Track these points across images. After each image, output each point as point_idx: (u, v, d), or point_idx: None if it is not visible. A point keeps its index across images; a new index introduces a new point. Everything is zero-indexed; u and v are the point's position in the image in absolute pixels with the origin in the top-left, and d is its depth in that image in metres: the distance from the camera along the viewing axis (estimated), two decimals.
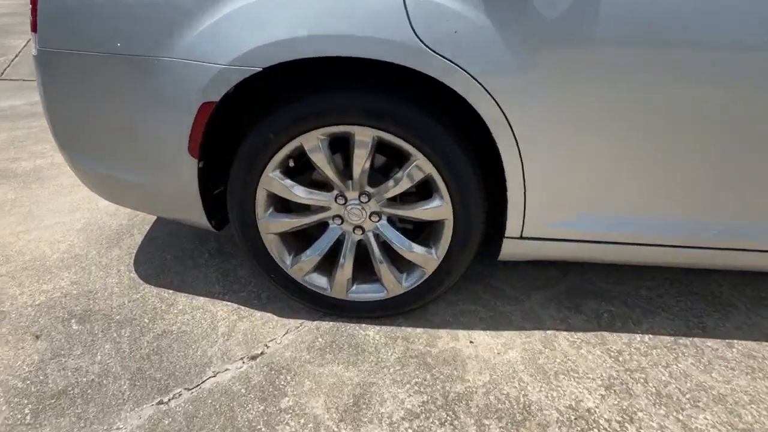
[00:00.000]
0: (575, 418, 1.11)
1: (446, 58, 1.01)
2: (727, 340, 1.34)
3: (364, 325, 1.40)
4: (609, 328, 1.38)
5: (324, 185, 1.34)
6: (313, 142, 1.17)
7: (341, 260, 1.34)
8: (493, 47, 1.01)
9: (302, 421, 1.11)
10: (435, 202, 1.22)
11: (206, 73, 1.08)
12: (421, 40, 1.00)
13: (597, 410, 1.13)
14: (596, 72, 1.01)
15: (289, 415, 1.13)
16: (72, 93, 1.24)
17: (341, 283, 1.36)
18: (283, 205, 1.35)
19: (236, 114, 1.30)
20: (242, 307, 1.47)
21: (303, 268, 1.36)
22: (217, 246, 1.79)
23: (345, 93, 1.10)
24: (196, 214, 1.34)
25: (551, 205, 1.19)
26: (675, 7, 0.96)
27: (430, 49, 1.00)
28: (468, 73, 1.02)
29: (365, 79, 1.14)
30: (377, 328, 1.39)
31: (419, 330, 1.38)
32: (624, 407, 1.14)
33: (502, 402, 1.15)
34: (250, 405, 1.15)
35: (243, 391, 1.19)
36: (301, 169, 1.32)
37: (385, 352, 1.31)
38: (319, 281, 1.39)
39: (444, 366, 1.26)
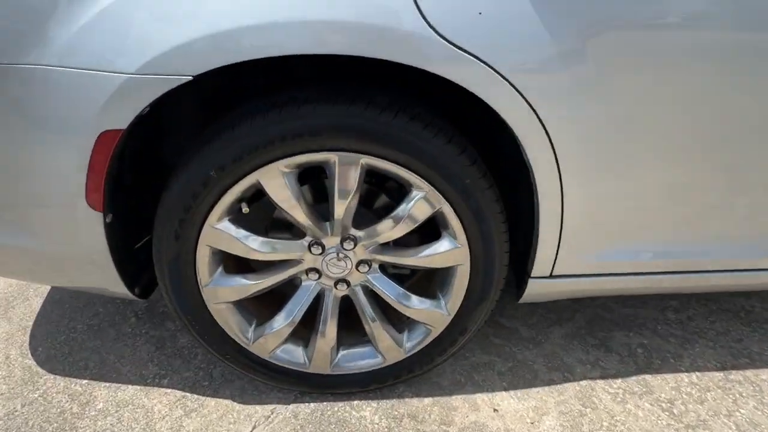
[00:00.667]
0: None
1: (470, 53, 0.70)
2: None
3: (356, 402, 1.08)
4: (649, 369, 1.16)
5: (291, 227, 1.00)
6: (275, 178, 0.82)
7: (320, 326, 1.00)
8: (529, 35, 0.71)
9: None
10: (446, 245, 0.91)
11: (103, 87, 0.70)
12: (435, 30, 0.69)
13: None
14: (664, 66, 0.75)
15: None
16: None
17: (323, 354, 1.03)
18: (236, 262, 0.98)
19: (154, 141, 0.92)
20: (189, 395, 1.10)
21: (269, 342, 1.00)
22: (145, 304, 1.38)
23: (322, 107, 0.77)
24: (109, 282, 0.95)
25: (591, 235, 0.93)
26: None
27: (449, 42, 0.69)
28: (497, 71, 0.72)
29: (344, 86, 0.81)
30: (374, 404, 1.07)
31: (427, 401, 1.08)
32: None
33: None
34: None
35: None
36: (252, 201, 0.96)
37: None
38: (294, 355, 1.04)
39: None
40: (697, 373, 1.14)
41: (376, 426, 1.02)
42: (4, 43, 0.70)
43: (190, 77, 0.69)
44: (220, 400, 1.09)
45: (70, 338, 1.26)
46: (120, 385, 1.13)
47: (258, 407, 1.07)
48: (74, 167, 0.77)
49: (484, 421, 1.03)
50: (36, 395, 1.10)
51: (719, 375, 1.14)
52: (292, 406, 1.07)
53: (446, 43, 0.70)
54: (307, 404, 1.07)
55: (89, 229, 0.85)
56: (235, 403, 1.08)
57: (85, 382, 1.13)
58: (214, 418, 1.04)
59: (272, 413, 1.06)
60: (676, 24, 0.73)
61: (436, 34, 0.69)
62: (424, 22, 0.69)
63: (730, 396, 1.09)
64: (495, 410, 1.06)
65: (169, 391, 1.11)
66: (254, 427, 1.02)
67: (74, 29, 0.68)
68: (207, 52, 0.68)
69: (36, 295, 1.41)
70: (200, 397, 1.09)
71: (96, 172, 0.78)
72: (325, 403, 1.08)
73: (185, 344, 1.24)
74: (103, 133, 0.74)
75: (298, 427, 1.02)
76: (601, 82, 0.76)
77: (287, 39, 0.68)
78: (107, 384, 1.13)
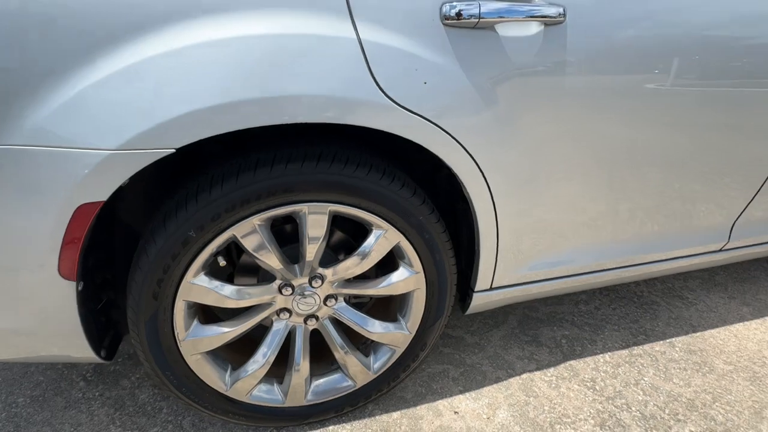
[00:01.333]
0: None
1: (418, 114, 0.84)
2: (667, 340, 1.44)
3: (331, 427, 1.15)
4: (572, 355, 1.37)
5: (256, 271, 1.06)
6: (251, 231, 0.89)
7: (296, 361, 1.07)
8: (467, 98, 0.87)
9: None
10: (404, 273, 1.04)
11: (82, 163, 0.73)
12: (387, 96, 0.82)
13: None
14: (571, 113, 0.96)
15: None
16: None
17: (298, 387, 1.09)
18: (203, 312, 1.02)
19: (120, 203, 0.94)
20: None
21: (246, 385, 1.05)
22: (91, 365, 1.33)
23: (292, 166, 0.85)
24: (75, 349, 0.94)
25: (522, 252, 1.11)
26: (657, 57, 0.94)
27: (399, 105, 0.82)
28: (441, 128, 0.87)
29: (300, 143, 0.91)
30: (348, 426, 1.15)
31: (395, 415, 1.19)
32: (655, 411, 1.12)
33: None
34: None
35: None
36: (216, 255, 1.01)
37: None
38: (270, 393, 1.10)
39: None
40: (609, 353, 1.38)
41: None
42: None
43: (173, 150, 0.75)
44: None
45: (12, 414, 1.18)
46: None
47: None
48: (48, 240, 0.77)
49: (448, 424, 1.16)
50: None
51: (625, 352, 1.39)
52: None
53: (402, 108, 0.83)
54: None
55: (59, 300, 0.85)
56: None
57: None
58: None
59: None
60: (563, 87, 0.94)
61: (393, 102, 0.82)
62: (381, 92, 0.81)
63: (635, 368, 1.33)
64: (455, 412, 1.20)
65: None
66: None
67: (49, 111, 0.71)
68: (192, 126, 0.74)
69: None
70: None
71: (72, 244, 0.79)
72: None
73: (146, 400, 1.22)
74: (81, 206, 0.76)
75: None
76: (519, 131, 0.94)
77: (261, 113, 0.76)
78: None
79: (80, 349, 0.94)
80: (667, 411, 1.20)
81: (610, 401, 1.23)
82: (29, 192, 0.74)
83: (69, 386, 1.26)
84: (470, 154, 0.92)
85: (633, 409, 1.20)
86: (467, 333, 1.45)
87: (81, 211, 0.76)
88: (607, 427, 1.15)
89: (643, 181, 1.12)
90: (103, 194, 0.76)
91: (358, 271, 1.01)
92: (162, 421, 1.17)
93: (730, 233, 1.33)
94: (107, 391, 1.25)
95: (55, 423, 1.16)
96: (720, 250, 1.37)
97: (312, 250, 0.95)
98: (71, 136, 0.72)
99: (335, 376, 1.14)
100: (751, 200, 1.28)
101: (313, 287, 1.02)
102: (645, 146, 1.06)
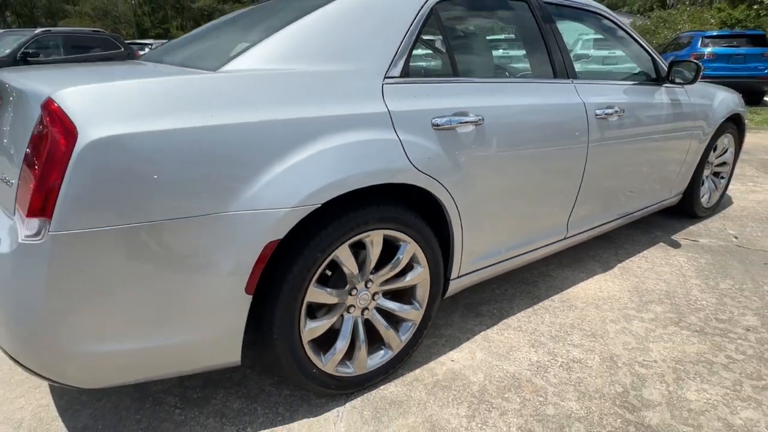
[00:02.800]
0: (542, 366, 1.80)
1: (428, 174, 1.58)
2: (550, 298, 2.32)
3: (383, 386, 1.72)
4: (503, 316, 2.16)
5: (328, 281, 1.62)
6: (345, 252, 1.50)
7: (360, 341, 1.64)
8: (448, 163, 1.64)
9: None
10: (418, 270, 1.72)
11: (273, 217, 1.28)
12: (414, 166, 1.54)
13: (541, 360, 1.86)
14: (505, 170, 1.79)
15: None
16: (105, 273, 1.14)
17: (362, 361, 1.65)
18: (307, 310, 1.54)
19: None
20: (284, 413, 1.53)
21: (335, 360, 1.58)
22: (168, 385, 1.66)
23: (366, 209, 1.50)
24: (231, 353, 1.39)
25: (475, 250, 1.89)
26: (523, 141, 1.84)
27: (419, 170, 1.55)
28: (440, 182, 1.62)
29: (366, 199, 1.56)
30: (392, 384, 1.73)
31: (417, 371, 1.80)
32: (555, 333, 1.91)
33: (498, 380, 1.74)
34: None
35: None
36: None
37: (417, 393, 1.68)
38: (345, 368, 1.63)
39: (453, 382, 1.74)
40: (522, 312, 2.21)
41: (400, 392, 1.69)
42: (214, 198, 1.21)
43: (320, 204, 1.35)
44: (303, 418, 1.56)
45: None
46: None
47: (331, 410, 1.59)
48: (245, 269, 1.28)
49: (450, 367, 1.82)
50: None
51: (530, 309, 2.23)
52: (350, 402, 1.63)
53: (420, 172, 1.55)
54: (357, 399, 1.65)
55: (240, 311, 1.32)
56: (310, 414, 1.57)
57: None
58: (312, 419, 1.52)
59: (340, 412, 1.60)
60: (494, 158, 1.78)
61: (416, 169, 1.54)
62: (411, 164, 1.53)
63: (538, 315, 2.17)
64: (452, 361, 1.86)
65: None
66: (338, 415, 1.55)
67: (259, 186, 1.26)
68: (327, 191, 1.35)
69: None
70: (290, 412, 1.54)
71: (257, 269, 1.30)
72: (366, 393, 1.68)
73: (239, 407, 1.62)
74: (269, 243, 1.29)
75: (364, 411, 1.60)
76: (473, 179, 1.73)
77: (360, 182, 1.41)
78: None
79: (234, 353, 1.39)
80: (562, 331, 2.04)
81: (532, 334, 2.03)
82: (238, 240, 1.26)
83: (168, 413, 1.58)
84: (450, 194, 1.67)
85: (545, 335, 2.02)
86: (438, 319, 2.15)
87: (268, 246, 1.30)
88: (535, 346, 1.94)
89: (529, 203, 2.01)
90: (282, 234, 1.31)
91: (392, 274, 1.66)
92: (262, 414, 1.59)
93: (567, 227, 2.31)
94: (203, 408, 1.61)
95: None
96: (564, 239, 2.34)
97: (372, 263, 1.58)
98: (268, 202, 1.27)
99: (380, 352, 1.73)
100: (573, 208, 2.29)
101: (367, 288, 1.63)
102: (527, 184, 1.95)
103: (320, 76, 1.43)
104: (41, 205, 1.08)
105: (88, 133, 1.08)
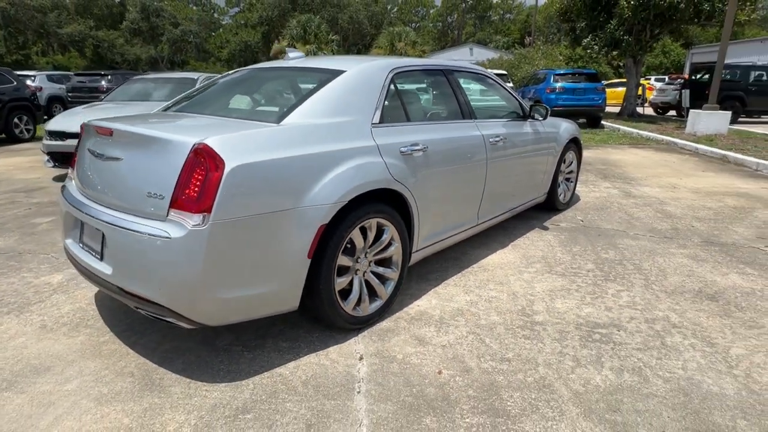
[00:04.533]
0: (473, 302, 2.82)
1: (401, 182, 2.54)
2: (470, 267, 3.39)
3: (380, 323, 2.60)
4: (446, 279, 3.17)
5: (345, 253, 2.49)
6: (357, 232, 2.39)
7: (363, 294, 2.52)
8: (410, 176, 2.62)
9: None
10: (395, 246, 2.65)
11: (324, 209, 2.14)
12: (394, 178, 2.49)
13: (472, 299, 2.89)
14: (440, 179, 2.81)
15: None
16: (234, 246, 1.91)
17: (365, 306, 2.53)
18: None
19: None
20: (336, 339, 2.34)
21: (351, 305, 2.44)
22: (228, 341, 2.38)
23: (368, 205, 2.40)
24: (295, 300, 2.20)
25: (423, 234, 2.88)
26: (453, 161, 2.89)
27: (397, 180, 2.51)
28: (406, 187, 2.59)
29: (367, 198, 2.46)
30: (385, 321, 2.62)
31: (397, 313, 2.72)
32: (478, 284, 2.95)
33: (449, 312, 2.72)
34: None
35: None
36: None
37: (401, 324, 2.59)
38: (356, 312, 2.50)
39: (422, 316, 2.69)
40: (456, 276, 3.24)
41: (391, 325, 2.59)
42: (293, 198, 2.04)
43: (347, 202, 2.23)
44: (334, 345, 2.38)
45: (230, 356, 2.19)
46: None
47: (350, 339, 2.43)
48: (308, 241, 2.11)
49: (418, 309, 2.76)
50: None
51: (459, 273, 3.27)
52: (361, 334, 2.49)
53: (396, 181, 2.51)
54: (364, 331, 2.52)
55: (303, 269, 2.15)
56: (337, 343, 2.40)
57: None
58: (328, 352, 2.35)
59: (356, 339, 2.45)
60: (435, 169, 2.80)
61: (394, 180, 2.50)
62: (391, 177, 2.48)
63: (466, 277, 3.22)
64: (418, 306, 2.81)
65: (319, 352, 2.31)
66: (356, 340, 2.40)
67: (315, 190, 2.11)
68: (351, 193, 2.24)
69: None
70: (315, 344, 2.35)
71: (314, 242, 2.14)
72: (369, 328, 2.55)
73: (285, 346, 2.40)
74: (321, 225, 2.15)
75: (371, 336, 2.47)
76: (426, 186, 2.73)
77: (362, 188, 2.32)
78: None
79: (295, 301, 2.20)
80: (482, 283, 3.10)
81: (463, 287, 3.06)
82: (307, 223, 2.10)
83: (239, 354, 2.31)
84: (411, 194, 2.65)
85: (472, 286, 3.06)
86: (403, 285, 3.09)
87: (320, 227, 2.15)
88: (467, 292, 2.97)
89: (455, 201, 3.06)
90: (328, 219, 2.17)
91: (380, 248, 2.58)
92: (305, 347, 2.38)
93: (478, 217, 3.42)
94: (262, 349, 2.36)
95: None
96: (476, 225, 3.44)
97: (370, 240, 2.49)
98: (321, 200, 2.14)
99: (376, 301, 2.62)
100: (480, 204, 3.39)
101: (365, 257, 2.53)
102: (453, 188, 3.00)
103: (337, 125, 2.34)
104: (205, 206, 1.84)
105: (230, 163, 1.88)
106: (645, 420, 1.89)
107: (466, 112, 3.24)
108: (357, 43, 46.71)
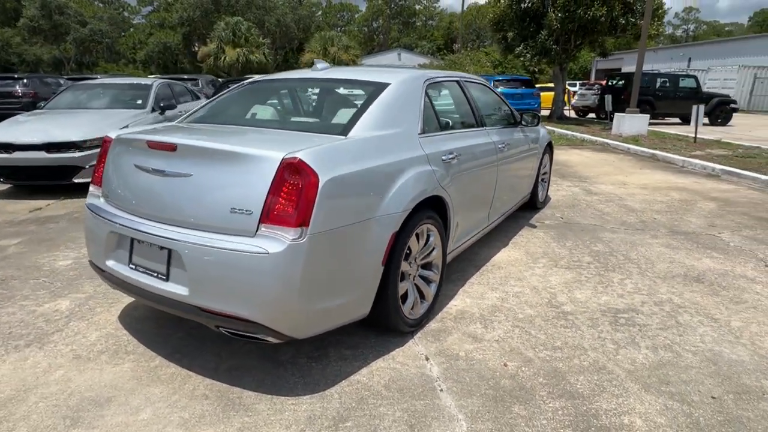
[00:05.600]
0: (504, 298, 3.02)
1: (443, 188, 2.68)
2: (486, 264, 3.60)
3: (426, 325, 2.71)
4: (476, 277, 3.34)
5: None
6: (413, 238, 2.48)
7: (416, 298, 2.62)
8: (449, 182, 2.76)
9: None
10: (438, 250, 2.78)
11: (395, 217, 2.23)
12: (441, 186, 2.62)
13: (500, 296, 3.09)
14: (466, 184, 2.97)
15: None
16: (327, 257, 1.94)
17: (417, 309, 2.64)
18: None
19: None
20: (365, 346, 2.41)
21: (408, 308, 2.54)
22: (288, 355, 2.39)
23: (421, 212, 2.51)
24: (367, 307, 2.26)
25: (456, 236, 3.04)
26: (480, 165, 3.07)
27: (442, 187, 2.64)
28: (447, 192, 2.73)
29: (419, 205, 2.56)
30: (431, 322, 2.74)
31: (439, 314, 2.85)
32: (499, 282, 3.16)
33: (486, 309, 2.90)
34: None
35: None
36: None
37: (448, 323, 2.72)
38: (411, 315, 2.59)
39: (463, 315, 2.84)
40: (477, 274, 3.42)
41: (439, 325, 2.71)
42: (371, 208, 2.11)
43: (411, 209, 2.33)
44: (395, 348, 2.46)
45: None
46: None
47: (408, 341, 2.52)
48: (383, 250, 2.18)
49: (456, 309, 2.91)
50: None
51: (477, 272, 3.46)
52: (416, 335, 2.59)
53: (441, 187, 2.64)
54: (417, 333, 2.62)
55: (376, 279, 2.21)
56: (397, 346, 2.48)
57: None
58: (393, 355, 2.43)
59: (414, 340, 2.55)
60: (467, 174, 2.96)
61: (440, 186, 2.63)
62: (438, 183, 2.61)
63: (486, 276, 3.42)
64: (455, 305, 2.95)
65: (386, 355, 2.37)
66: (414, 341, 2.50)
67: (385, 201, 2.19)
68: (414, 200, 2.34)
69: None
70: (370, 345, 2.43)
71: (387, 250, 2.22)
72: (420, 330, 2.65)
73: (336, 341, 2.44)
74: (392, 233, 2.22)
75: (427, 337, 2.58)
76: (460, 188, 2.89)
77: (421, 196, 2.44)
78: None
79: (367, 307, 2.26)
80: (502, 280, 3.32)
81: (487, 284, 3.25)
82: (382, 232, 2.17)
83: (307, 366, 2.32)
84: (450, 199, 2.79)
85: (495, 283, 3.27)
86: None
87: (393, 234, 2.23)
88: (493, 289, 3.16)
89: (477, 203, 3.24)
90: (398, 227, 2.25)
91: (427, 252, 2.70)
92: (368, 352, 2.43)
93: (488, 218, 3.63)
94: (328, 358, 2.38)
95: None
96: (487, 226, 3.65)
97: (420, 245, 2.60)
98: (393, 209, 2.22)
99: (424, 303, 2.73)
100: (491, 205, 3.61)
101: (416, 262, 2.64)
102: (475, 190, 3.19)
103: (395, 136, 2.43)
104: (302, 219, 1.86)
105: (323, 176, 1.91)
106: (694, 388, 2.18)
107: (479, 120, 3.45)
108: (284, 47, 45.96)
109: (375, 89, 2.60)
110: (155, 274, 2.12)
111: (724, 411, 2.04)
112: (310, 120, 2.59)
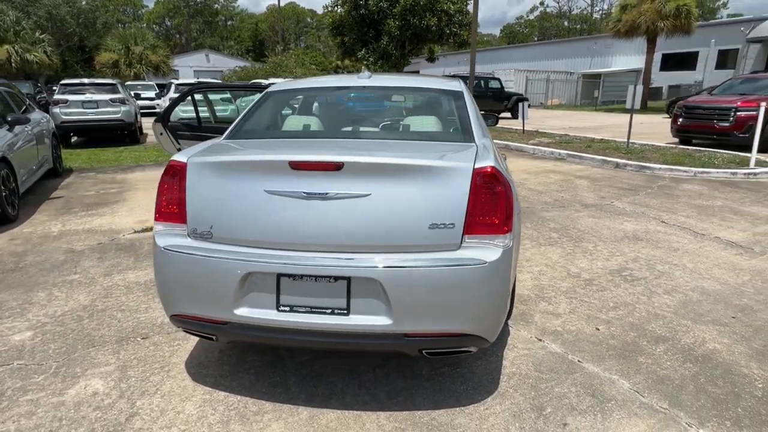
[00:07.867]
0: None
1: None
2: None
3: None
4: None
5: None
6: None
7: None
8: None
9: None
10: None
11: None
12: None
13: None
14: None
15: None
16: (515, 258, 2.04)
17: None
18: None
19: None
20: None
21: None
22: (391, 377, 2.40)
23: None
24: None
25: None
26: None
27: None
28: None
29: None
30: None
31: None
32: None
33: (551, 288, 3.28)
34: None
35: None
36: None
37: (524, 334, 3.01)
38: None
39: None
40: None
41: (514, 313, 2.98)
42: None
43: None
44: (507, 338, 2.64)
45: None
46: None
47: (516, 332, 2.73)
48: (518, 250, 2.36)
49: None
50: None
51: None
52: (509, 324, 2.81)
53: None
54: (511, 325, 2.84)
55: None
56: (508, 334, 2.68)
57: None
58: (514, 343, 2.63)
59: (516, 329, 2.77)
60: None
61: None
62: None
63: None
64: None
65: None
66: (518, 330, 2.73)
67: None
68: None
69: None
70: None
71: None
72: (508, 319, 2.88)
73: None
74: None
75: (521, 323, 2.82)
76: None
77: None
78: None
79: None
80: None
81: (519, 270, 3.63)
82: (518, 233, 2.34)
83: (418, 383, 2.35)
84: None
85: (523, 269, 3.67)
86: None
87: None
88: (522, 275, 3.56)
89: None
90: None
91: None
92: (474, 372, 2.57)
93: None
94: (440, 378, 2.44)
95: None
96: None
97: None
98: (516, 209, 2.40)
99: None
100: None
101: None
102: None
103: (489, 142, 2.59)
104: (509, 225, 1.92)
105: (509, 184, 2.00)
106: (718, 315, 2.93)
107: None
108: (59, 44, 38.51)
109: (452, 97, 2.70)
110: (329, 311, 1.89)
111: (748, 324, 2.82)
112: (424, 130, 2.52)
